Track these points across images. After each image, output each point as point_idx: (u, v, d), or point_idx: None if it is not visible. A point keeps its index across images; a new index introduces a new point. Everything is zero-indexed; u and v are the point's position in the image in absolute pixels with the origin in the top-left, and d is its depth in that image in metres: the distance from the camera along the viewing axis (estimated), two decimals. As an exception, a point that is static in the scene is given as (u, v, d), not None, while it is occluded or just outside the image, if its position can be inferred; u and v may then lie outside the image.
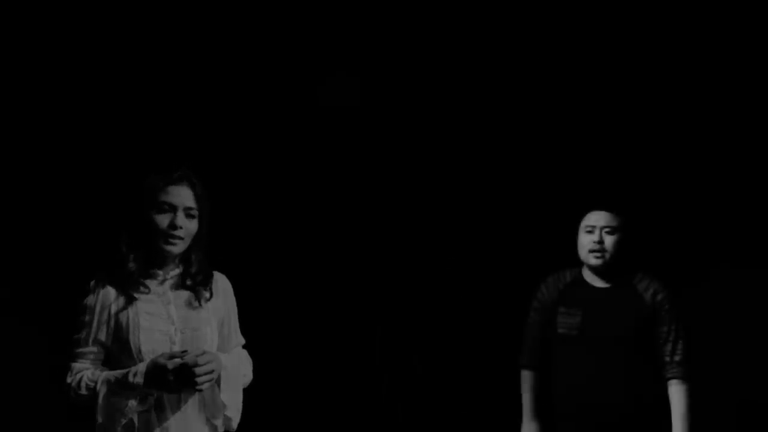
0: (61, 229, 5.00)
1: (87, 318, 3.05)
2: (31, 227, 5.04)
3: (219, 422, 3.03)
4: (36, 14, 5.03)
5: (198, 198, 3.13)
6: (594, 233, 3.89)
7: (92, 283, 3.09)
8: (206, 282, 3.12)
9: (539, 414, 4.02)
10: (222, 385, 2.99)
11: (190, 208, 3.10)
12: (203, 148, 5.18)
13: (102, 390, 2.92)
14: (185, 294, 3.08)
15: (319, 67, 5.59)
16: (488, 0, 5.35)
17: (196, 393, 2.95)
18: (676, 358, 3.84)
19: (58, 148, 5.07)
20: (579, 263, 3.99)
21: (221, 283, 3.23)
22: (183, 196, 3.10)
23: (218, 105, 5.39)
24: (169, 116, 5.27)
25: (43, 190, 5.03)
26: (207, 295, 3.11)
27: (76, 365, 3.05)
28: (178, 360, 2.83)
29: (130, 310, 3.00)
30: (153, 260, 3.07)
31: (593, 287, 3.94)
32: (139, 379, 2.86)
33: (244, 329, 3.39)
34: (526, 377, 4.03)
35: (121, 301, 3.01)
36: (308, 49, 5.53)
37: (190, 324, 3.04)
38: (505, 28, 5.49)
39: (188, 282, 3.08)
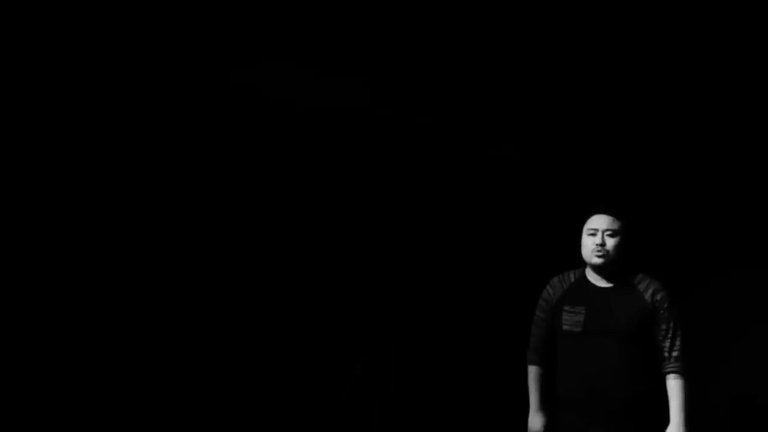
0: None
1: None
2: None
3: None
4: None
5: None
6: (596, 236, 4.06)
7: None
8: None
9: (544, 406, 4.20)
10: None
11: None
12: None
13: None
14: None
15: (324, 70, 5.70)
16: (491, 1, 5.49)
17: None
18: (674, 353, 4.01)
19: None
20: (582, 265, 4.17)
21: None
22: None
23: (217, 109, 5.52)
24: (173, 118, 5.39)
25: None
26: None
27: None
28: None
29: None
30: None
31: (596, 287, 4.11)
32: None
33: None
34: (533, 372, 4.21)
35: None
36: (314, 52, 5.65)
37: None
38: (507, 29, 5.58)
39: None
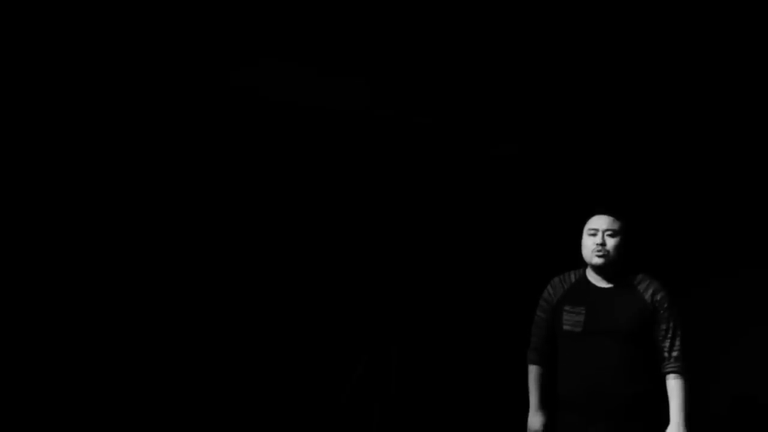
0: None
1: None
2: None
3: None
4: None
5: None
6: (597, 236, 4.08)
7: None
8: None
9: (544, 406, 4.22)
10: None
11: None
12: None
13: None
14: None
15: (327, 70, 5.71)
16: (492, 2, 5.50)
17: None
18: (674, 353, 4.03)
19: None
20: (582, 265, 4.19)
21: None
22: None
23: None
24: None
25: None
26: None
27: None
28: None
29: None
30: None
31: (596, 287, 4.13)
32: None
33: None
34: (533, 372, 4.24)
35: None
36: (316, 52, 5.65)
37: None
38: (507, 30, 5.59)
39: None
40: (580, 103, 5.93)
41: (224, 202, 5.58)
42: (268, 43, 5.51)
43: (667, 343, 4.04)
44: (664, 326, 4.05)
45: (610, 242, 4.07)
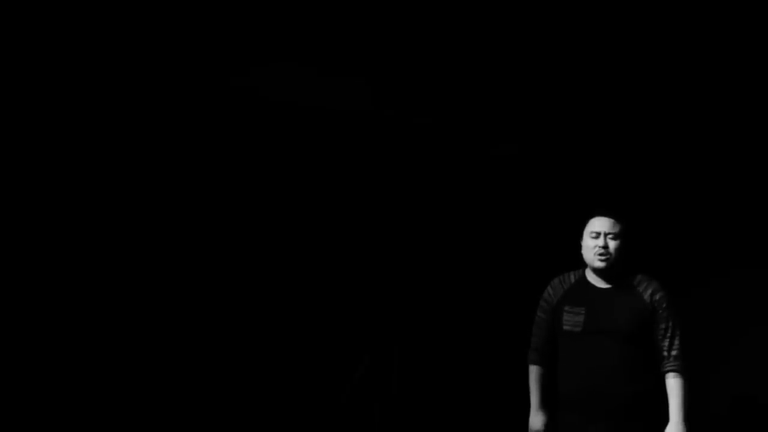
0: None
1: None
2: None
3: None
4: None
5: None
6: (599, 239, 4.09)
7: None
8: None
9: (545, 405, 4.24)
10: None
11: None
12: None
13: None
14: None
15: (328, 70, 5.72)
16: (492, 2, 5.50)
17: None
18: (673, 353, 4.04)
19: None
20: (582, 266, 4.20)
21: None
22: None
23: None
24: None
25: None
26: None
27: None
28: None
29: None
30: None
31: (596, 288, 4.15)
32: None
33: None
34: (534, 372, 4.26)
35: None
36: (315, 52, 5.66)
37: None
38: (507, 30, 5.60)
39: None
40: (579, 103, 5.94)
41: (225, 203, 5.59)
42: (268, 43, 5.51)
43: (666, 343, 4.06)
44: (663, 326, 4.07)
45: (612, 245, 4.10)
